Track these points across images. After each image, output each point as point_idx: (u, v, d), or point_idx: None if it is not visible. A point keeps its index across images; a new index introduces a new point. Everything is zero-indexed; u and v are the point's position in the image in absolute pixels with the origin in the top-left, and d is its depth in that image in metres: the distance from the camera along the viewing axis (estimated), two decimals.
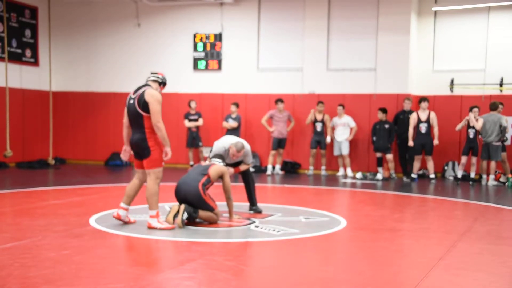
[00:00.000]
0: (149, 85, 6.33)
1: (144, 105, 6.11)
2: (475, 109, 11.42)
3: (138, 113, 6.15)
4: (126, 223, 6.40)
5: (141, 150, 6.21)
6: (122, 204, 6.36)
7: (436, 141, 11.76)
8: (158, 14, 14.67)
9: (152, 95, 6.14)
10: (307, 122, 12.92)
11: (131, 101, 6.24)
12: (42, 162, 14.11)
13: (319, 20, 13.42)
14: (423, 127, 11.81)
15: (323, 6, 13.39)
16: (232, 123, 13.16)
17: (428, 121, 11.78)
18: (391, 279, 4.48)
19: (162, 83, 6.46)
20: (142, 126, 6.16)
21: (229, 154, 7.26)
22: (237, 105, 13.31)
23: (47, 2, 14.59)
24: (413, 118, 11.86)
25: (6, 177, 11.52)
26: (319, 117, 12.87)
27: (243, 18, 14.05)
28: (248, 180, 7.57)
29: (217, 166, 6.70)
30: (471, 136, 11.44)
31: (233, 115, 13.27)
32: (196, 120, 13.56)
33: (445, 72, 13.16)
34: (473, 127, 11.38)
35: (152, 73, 6.48)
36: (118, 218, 6.33)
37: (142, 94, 6.16)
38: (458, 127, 11.64)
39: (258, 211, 7.50)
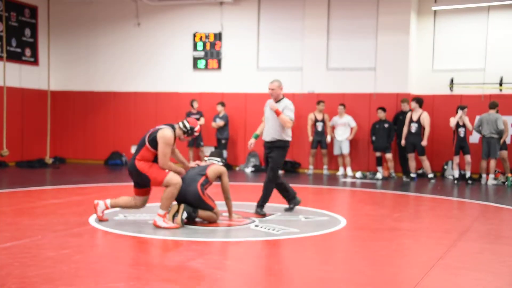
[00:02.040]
0: (172, 127, 6.39)
1: (153, 140, 6.22)
2: (465, 110, 11.49)
3: (144, 142, 6.28)
4: (98, 217, 6.47)
5: (139, 179, 6.32)
6: (108, 201, 6.48)
7: (423, 142, 11.72)
8: (158, 13, 14.66)
9: (163, 136, 6.19)
10: (309, 124, 12.89)
11: (149, 131, 6.40)
12: (42, 161, 14.11)
13: (318, 19, 13.41)
14: (413, 127, 11.83)
15: (323, 6, 13.39)
16: (219, 122, 13.30)
17: (418, 121, 11.79)
18: (391, 278, 4.48)
19: (187, 133, 6.44)
20: (136, 154, 6.30)
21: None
22: (223, 104, 13.43)
23: (46, 1, 14.59)
24: (407, 118, 11.92)
25: (6, 176, 11.52)
26: (319, 116, 12.89)
27: (243, 18, 14.04)
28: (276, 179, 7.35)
29: (216, 166, 6.69)
30: (462, 135, 11.51)
31: (220, 115, 13.42)
32: (197, 119, 13.58)
33: (444, 72, 13.16)
34: (463, 126, 11.47)
35: (185, 120, 6.51)
36: (95, 207, 6.46)
37: (157, 131, 6.26)
38: (453, 123, 11.58)
39: (261, 214, 7.25)
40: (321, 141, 12.91)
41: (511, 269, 4.85)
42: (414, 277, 4.44)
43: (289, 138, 7.40)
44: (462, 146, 11.52)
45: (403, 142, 11.95)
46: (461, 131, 11.50)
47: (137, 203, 6.48)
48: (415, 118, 11.82)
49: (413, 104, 11.87)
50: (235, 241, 5.75)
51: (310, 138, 12.90)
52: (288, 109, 7.32)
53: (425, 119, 11.77)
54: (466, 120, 11.47)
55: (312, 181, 11.71)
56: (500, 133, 11.37)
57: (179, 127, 6.41)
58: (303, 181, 11.56)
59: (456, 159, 11.58)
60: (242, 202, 7.99)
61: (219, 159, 6.90)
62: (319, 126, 12.90)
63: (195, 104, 13.61)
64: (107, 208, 6.50)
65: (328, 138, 12.87)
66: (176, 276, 4.38)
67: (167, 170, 6.25)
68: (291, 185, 10.19)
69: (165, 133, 6.20)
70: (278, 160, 7.29)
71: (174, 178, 6.21)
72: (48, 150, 14.29)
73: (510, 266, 4.93)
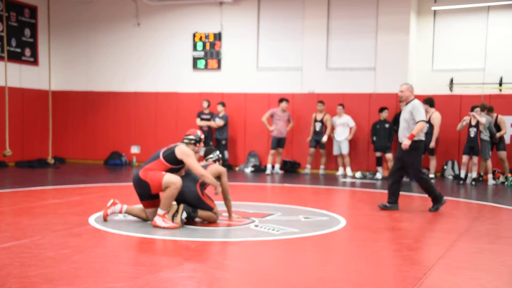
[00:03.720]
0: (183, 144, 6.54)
1: (170, 155, 6.33)
2: (477, 109, 11.36)
3: (158, 156, 6.37)
4: (104, 214, 6.46)
5: (140, 187, 6.38)
6: (125, 207, 6.53)
7: (431, 143, 11.66)
8: (158, 13, 14.66)
9: (183, 151, 6.33)
10: (312, 124, 12.96)
11: (162, 148, 6.51)
12: (42, 161, 14.10)
13: (318, 19, 13.42)
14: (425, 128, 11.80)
15: (323, 6, 13.39)
16: (219, 122, 13.28)
17: (429, 121, 11.77)
18: (391, 278, 4.48)
19: (197, 142, 6.58)
20: (145, 165, 6.39)
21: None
22: (223, 104, 13.41)
23: (46, 1, 14.57)
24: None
25: (6, 177, 11.52)
26: (319, 116, 12.91)
27: (243, 18, 14.04)
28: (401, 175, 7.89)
29: (215, 166, 6.69)
30: (472, 135, 11.35)
31: (220, 114, 13.41)
32: (208, 119, 13.56)
33: (444, 72, 13.16)
34: (475, 126, 11.31)
35: (185, 135, 6.61)
36: (112, 204, 6.49)
37: (173, 148, 6.39)
38: (459, 127, 11.61)
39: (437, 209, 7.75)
40: (319, 141, 12.94)
41: (511, 269, 4.86)
42: (414, 277, 4.44)
43: (420, 138, 7.77)
44: (471, 147, 11.36)
45: None
46: (472, 131, 11.32)
47: (148, 216, 6.50)
48: (426, 118, 11.81)
49: (424, 107, 11.84)
50: (235, 241, 5.76)
51: (309, 138, 12.95)
52: (416, 109, 7.66)
53: (435, 119, 11.68)
54: (483, 120, 11.15)
55: (310, 180, 11.71)
56: (492, 135, 11.35)
57: (187, 144, 6.51)
58: (303, 181, 11.56)
59: (464, 159, 11.46)
60: (241, 202, 7.99)
61: (212, 156, 6.89)
62: (317, 126, 12.92)
63: (205, 104, 13.56)
64: (120, 212, 6.51)
65: (324, 138, 12.85)
66: (176, 276, 4.38)
67: (163, 172, 6.27)
68: (290, 185, 10.16)
69: (184, 148, 6.34)
70: (413, 162, 7.74)
71: (172, 179, 6.22)
72: (50, 150, 14.29)
73: (509, 266, 4.93)
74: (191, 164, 6.27)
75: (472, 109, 11.37)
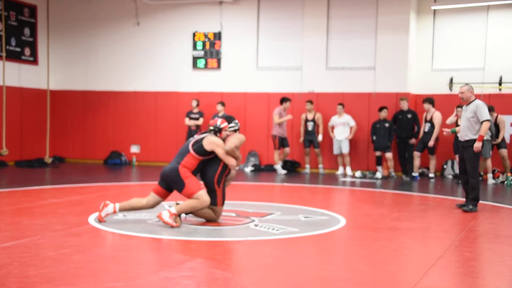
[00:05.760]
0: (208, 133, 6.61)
1: (199, 148, 6.39)
2: (459, 109, 11.37)
3: (187, 149, 6.42)
4: (99, 217, 6.37)
5: (173, 182, 6.35)
6: (117, 205, 6.41)
7: (430, 142, 11.70)
8: (158, 12, 14.65)
9: (214, 141, 6.41)
10: (301, 124, 12.98)
11: (190, 140, 6.55)
12: (41, 161, 14.10)
13: (318, 18, 13.41)
14: (426, 126, 11.90)
15: (322, 5, 13.38)
16: None
17: (431, 120, 11.81)
18: (390, 278, 4.48)
19: (216, 132, 6.61)
20: (181, 160, 6.39)
21: None
22: (223, 104, 13.40)
23: (46, 0, 14.57)
24: (423, 118, 12.04)
25: (5, 176, 11.51)
26: (310, 116, 12.92)
27: (243, 17, 14.03)
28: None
29: (237, 135, 6.66)
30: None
31: (220, 114, 13.41)
32: (197, 119, 13.57)
33: (444, 71, 13.16)
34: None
35: (209, 126, 6.68)
36: (103, 206, 6.39)
37: (201, 139, 6.44)
38: (448, 120, 11.55)
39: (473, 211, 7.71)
40: (312, 141, 12.94)
41: (511, 269, 4.86)
42: (413, 277, 4.44)
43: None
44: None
45: (431, 143, 11.74)
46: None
47: (149, 201, 6.44)
48: (428, 117, 11.88)
49: (426, 105, 11.92)
50: (235, 241, 5.75)
51: (301, 139, 12.96)
52: (480, 109, 7.68)
53: (435, 118, 11.75)
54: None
55: (310, 180, 11.71)
56: (492, 135, 11.34)
57: (211, 132, 6.57)
58: (303, 181, 11.56)
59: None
60: (242, 202, 7.99)
61: (232, 125, 6.75)
62: (310, 126, 12.93)
63: (194, 103, 13.60)
64: (114, 212, 6.42)
65: (319, 137, 12.86)
66: (176, 276, 4.38)
67: (202, 185, 6.38)
68: (290, 184, 10.14)
69: (212, 139, 6.41)
70: (473, 159, 7.78)
71: (205, 197, 6.27)
72: (48, 149, 14.29)
73: (509, 266, 4.93)
74: (221, 155, 6.37)
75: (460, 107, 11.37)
